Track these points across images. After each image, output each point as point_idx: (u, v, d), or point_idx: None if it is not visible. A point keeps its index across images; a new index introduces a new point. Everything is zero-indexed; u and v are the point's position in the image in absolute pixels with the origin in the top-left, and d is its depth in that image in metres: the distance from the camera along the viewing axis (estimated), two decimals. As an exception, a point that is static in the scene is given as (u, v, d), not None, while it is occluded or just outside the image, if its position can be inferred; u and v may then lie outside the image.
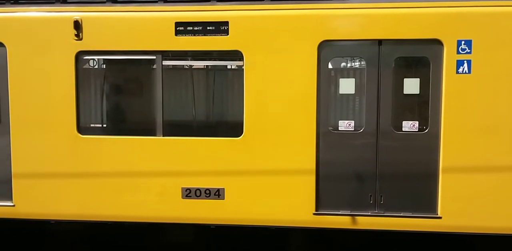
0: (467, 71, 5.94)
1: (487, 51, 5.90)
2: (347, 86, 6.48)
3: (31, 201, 6.63)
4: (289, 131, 6.21)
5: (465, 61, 5.94)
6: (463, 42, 5.93)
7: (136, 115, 7.53)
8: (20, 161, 6.60)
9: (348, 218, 6.25)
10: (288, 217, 6.30)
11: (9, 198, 6.68)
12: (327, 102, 6.28)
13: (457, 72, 5.96)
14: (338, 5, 6.14)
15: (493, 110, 5.94)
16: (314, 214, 6.27)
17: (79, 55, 6.50)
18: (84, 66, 7.45)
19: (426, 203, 6.15)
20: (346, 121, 6.33)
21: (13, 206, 6.66)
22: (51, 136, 6.53)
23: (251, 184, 6.30)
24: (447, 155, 6.02)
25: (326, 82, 6.25)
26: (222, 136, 6.43)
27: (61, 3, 6.58)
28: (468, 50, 5.93)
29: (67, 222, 6.68)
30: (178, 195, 6.41)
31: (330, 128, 6.30)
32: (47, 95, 6.50)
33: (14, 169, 6.62)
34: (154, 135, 6.50)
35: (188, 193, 6.40)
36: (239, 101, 6.56)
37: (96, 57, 7.63)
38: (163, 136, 6.47)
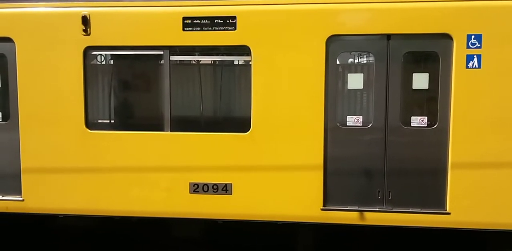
0: (477, 66, 5.88)
1: (498, 46, 5.83)
2: (355, 81, 6.45)
3: (40, 196, 6.67)
4: (296, 126, 6.19)
5: (475, 56, 5.87)
6: (473, 36, 5.87)
7: (144, 110, 7.54)
8: (29, 156, 6.64)
9: (356, 214, 6.22)
10: (296, 212, 6.28)
11: (18, 192, 6.73)
12: (335, 98, 6.26)
13: (467, 67, 5.90)
14: (346, 0, 6.10)
15: (503, 106, 5.88)
16: (322, 209, 6.25)
17: (87, 51, 6.52)
18: (92, 62, 7.47)
19: (435, 199, 6.11)
20: (354, 117, 6.30)
21: (22, 200, 6.71)
22: (59, 131, 6.56)
23: (259, 179, 6.29)
24: (456, 150, 5.97)
25: (334, 77, 6.22)
26: (229, 131, 6.43)
27: (69, -2, 6.60)
28: (478, 45, 5.86)
29: (75, 217, 6.73)
30: (185, 190, 6.42)
31: (338, 123, 6.27)
32: (55, 91, 6.53)
33: (23, 164, 6.66)
34: (162, 130, 6.51)
35: (196, 188, 6.41)
36: (246, 96, 6.54)
37: (104, 53, 7.64)
38: (171, 131, 6.49)
